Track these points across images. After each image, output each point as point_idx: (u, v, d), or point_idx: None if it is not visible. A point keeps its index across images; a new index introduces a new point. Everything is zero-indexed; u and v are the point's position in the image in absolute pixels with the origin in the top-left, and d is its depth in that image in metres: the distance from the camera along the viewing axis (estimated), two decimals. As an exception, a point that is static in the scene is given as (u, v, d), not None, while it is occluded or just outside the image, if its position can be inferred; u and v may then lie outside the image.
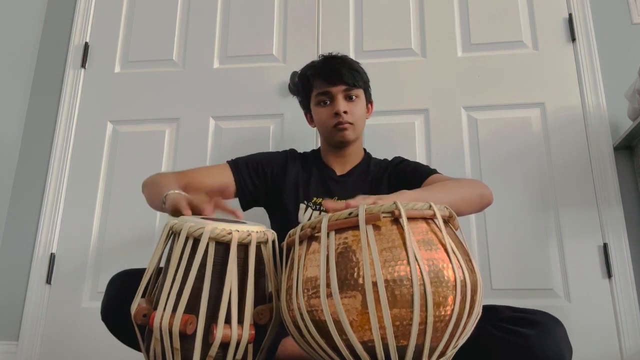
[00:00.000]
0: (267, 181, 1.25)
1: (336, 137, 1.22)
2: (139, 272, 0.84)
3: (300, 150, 1.38)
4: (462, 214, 1.00)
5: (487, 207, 1.08)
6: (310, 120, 1.32)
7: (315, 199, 1.21)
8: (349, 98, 1.21)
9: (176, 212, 0.85)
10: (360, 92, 1.24)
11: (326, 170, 1.27)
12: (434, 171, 1.19)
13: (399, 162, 1.27)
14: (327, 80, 1.20)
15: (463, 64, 1.66)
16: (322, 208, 1.20)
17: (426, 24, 1.71)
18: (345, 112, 1.19)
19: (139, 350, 0.84)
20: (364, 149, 1.33)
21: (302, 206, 1.20)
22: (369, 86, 1.30)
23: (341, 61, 1.24)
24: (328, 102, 1.21)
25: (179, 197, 0.89)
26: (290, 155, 1.31)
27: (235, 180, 1.22)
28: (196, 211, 0.84)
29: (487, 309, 0.86)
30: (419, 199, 0.84)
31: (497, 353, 0.80)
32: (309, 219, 1.18)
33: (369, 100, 1.31)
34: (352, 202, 0.73)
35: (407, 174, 1.21)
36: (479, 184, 1.09)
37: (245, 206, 1.27)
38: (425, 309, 0.62)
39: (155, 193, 1.05)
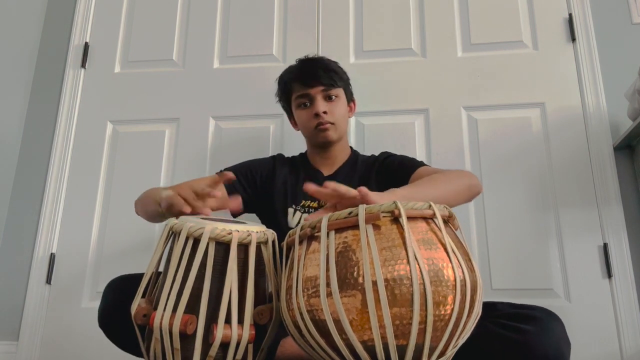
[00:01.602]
0: (257, 187, 1.26)
1: (318, 138, 1.23)
2: (136, 277, 0.84)
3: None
4: (452, 205, 1.00)
5: (477, 196, 1.08)
6: (294, 124, 1.33)
7: (304, 201, 1.21)
8: (328, 98, 1.22)
9: (172, 209, 0.85)
10: (339, 92, 1.25)
11: (313, 172, 1.27)
12: (421, 164, 1.19)
13: (386, 157, 1.27)
14: (305, 82, 1.22)
15: (463, 64, 1.66)
16: (311, 211, 1.19)
17: (426, 24, 1.71)
18: (325, 113, 1.20)
19: (138, 355, 0.84)
20: (351, 147, 1.34)
21: (291, 210, 1.21)
22: (349, 85, 1.31)
23: (317, 62, 1.26)
24: (308, 104, 1.23)
25: (173, 194, 0.88)
26: (278, 159, 1.32)
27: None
28: (193, 202, 0.84)
29: (486, 305, 0.86)
30: (408, 195, 0.85)
31: (496, 349, 0.81)
32: (298, 222, 1.18)
33: (350, 99, 1.31)
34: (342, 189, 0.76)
35: (394, 169, 1.21)
36: (467, 174, 1.09)
37: (235, 214, 1.27)
38: (425, 308, 0.62)
39: (148, 202, 1.06)
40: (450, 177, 1.06)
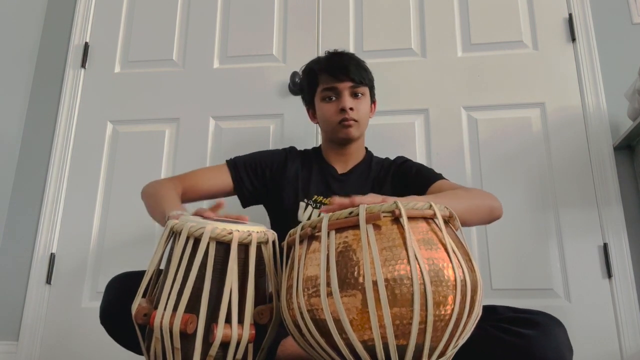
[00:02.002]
0: (266, 180, 1.25)
1: (340, 134, 1.21)
2: (137, 275, 0.84)
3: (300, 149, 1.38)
4: (470, 224, 0.99)
5: (497, 220, 1.06)
6: (312, 116, 1.31)
7: (316, 196, 1.21)
8: (354, 95, 1.21)
9: None
10: (365, 90, 1.23)
11: (327, 168, 1.26)
12: (440, 176, 1.18)
13: (402, 162, 1.26)
14: (334, 75, 1.20)
15: (463, 64, 1.66)
16: (322, 206, 1.19)
17: (426, 24, 1.71)
18: (351, 109, 1.18)
19: (139, 352, 0.84)
20: (366, 148, 1.33)
21: (302, 204, 1.20)
22: (374, 85, 1.29)
23: (349, 57, 1.24)
24: (334, 98, 1.20)
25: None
26: (290, 153, 1.31)
27: (234, 180, 1.22)
28: None
29: (486, 309, 0.86)
30: None
31: (497, 354, 0.80)
32: (309, 217, 1.17)
33: (372, 100, 1.30)
34: (357, 198, 0.73)
35: (410, 175, 1.20)
36: (490, 196, 1.07)
37: (244, 204, 1.27)
38: (425, 308, 0.62)
39: (156, 206, 1.05)
40: (473, 195, 1.04)
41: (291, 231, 0.77)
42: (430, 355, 0.64)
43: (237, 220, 0.84)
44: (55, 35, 1.86)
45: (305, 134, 1.62)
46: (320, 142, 1.37)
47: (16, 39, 1.77)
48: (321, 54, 1.32)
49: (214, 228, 0.73)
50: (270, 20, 1.77)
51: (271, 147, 1.64)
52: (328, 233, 0.68)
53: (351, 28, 1.74)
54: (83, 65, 1.80)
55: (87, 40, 1.83)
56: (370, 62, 1.66)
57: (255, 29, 1.77)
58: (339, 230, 0.68)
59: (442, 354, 0.66)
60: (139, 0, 1.86)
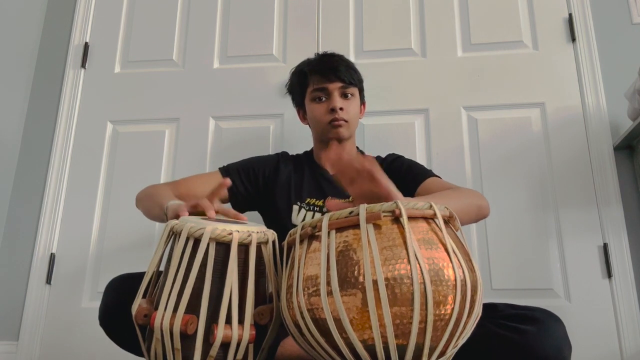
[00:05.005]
0: (259, 185, 1.25)
1: (330, 134, 1.22)
2: (136, 276, 0.84)
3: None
4: (460, 224, 1.00)
5: (484, 219, 1.07)
6: (303, 117, 1.32)
7: (308, 199, 1.21)
8: (344, 96, 1.22)
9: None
10: (355, 91, 1.25)
11: (318, 170, 1.27)
12: (431, 173, 1.19)
13: (394, 159, 1.27)
14: (324, 76, 1.21)
15: (463, 64, 1.66)
16: (316, 209, 1.19)
17: (426, 24, 1.71)
18: (341, 109, 1.19)
19: (138, 354, 0.84)
20: (357, 147, 1.34)
21: (295, 207, 1.20)
22: (363, 87, 1.31)
23: (338, 59, 1.26)
24: (324, 99, 1.22)
25: (181, 206, 0.88)
26: (282, 157, 1.31)
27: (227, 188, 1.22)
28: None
29: (486, 306, 0.86)
30: None
31: (496, 350, 0.80)
32: (303, 220, 1.18)
33: (362, 101, 1.31)
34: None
35: (402, 172, 1.21)
36: (478, 195, 1.09)
37: (237, 210, 1.27)
38: (425, 308, 0.62)
39: (153, 204, 1.05)
40: (462, 195, 1.05)
41: (291, 231, 0.77)
42: (430, 355, 0.64)
43: (236, 220, 0.84)
44: (55, 35, 1.86)
45: (305, 134, 1.60)
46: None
47: (16, 39, 1.77)
48: (317, 52, 1.32)
49: (214, 229, 0.73)
50: (270, 20, 1.77)
51: (271, 147, 1.64)
52: (328, 232, 0.68)
53: (351, 28, 1.74)
54: (83, 65, 1.80)
55: (87, 40, 1.83)
56: (370, 62, 1.67)
57: (255, 29, 1.77)
58: (340, 229, 0.68)
59: (442, 353, 0.66)
60: (139, 0, 1.86)
